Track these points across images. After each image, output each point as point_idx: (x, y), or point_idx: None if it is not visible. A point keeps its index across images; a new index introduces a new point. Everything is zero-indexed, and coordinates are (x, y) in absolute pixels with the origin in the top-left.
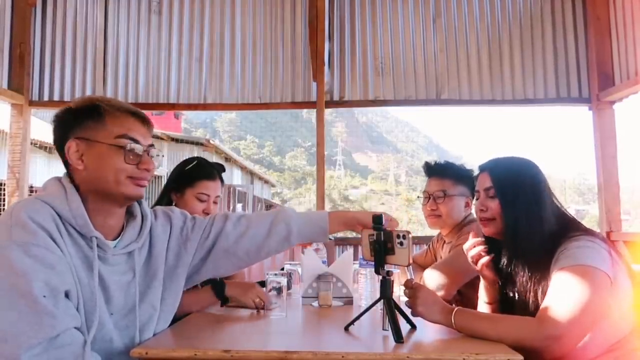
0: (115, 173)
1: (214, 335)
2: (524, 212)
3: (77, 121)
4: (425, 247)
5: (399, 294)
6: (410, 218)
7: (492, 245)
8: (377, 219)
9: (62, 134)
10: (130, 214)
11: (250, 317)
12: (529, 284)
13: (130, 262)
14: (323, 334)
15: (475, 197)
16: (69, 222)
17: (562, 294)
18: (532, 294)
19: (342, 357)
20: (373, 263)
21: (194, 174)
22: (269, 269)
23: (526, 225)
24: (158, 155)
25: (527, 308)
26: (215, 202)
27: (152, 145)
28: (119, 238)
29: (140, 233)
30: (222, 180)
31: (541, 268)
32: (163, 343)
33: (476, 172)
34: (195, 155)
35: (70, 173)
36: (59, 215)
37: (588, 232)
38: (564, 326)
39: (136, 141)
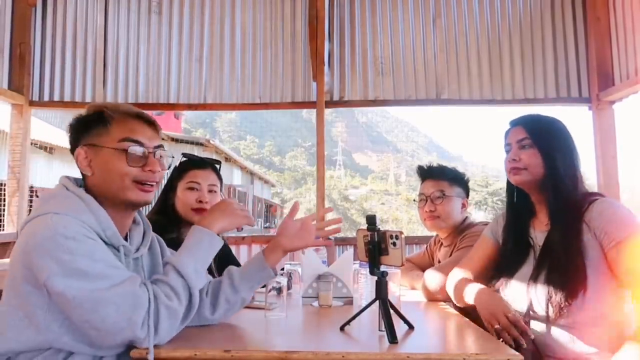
0: (120, 177)
1: (214, 335)
2: (561, 160)
3: (85, 129)
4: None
5: (398, 294)
6: (411, 218)
7: (515, 194)
8: (371, 219)
9: (74, 142)
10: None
11: (250, 317)
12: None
13: (137, 268)
14: (323, 334)
15: (507, 150)
16: (98, 234)
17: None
18: (560, 245)
19: (343, 357)
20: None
21: (182, 167)
22: None
23: (563, 172)
24: (167, 157)
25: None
26: (211, 191)
27: (159, 147)
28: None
29: (145, 239)
30: (217, 172)
31: (569, 219)
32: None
33: (508, 127)
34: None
35: (84, 181)
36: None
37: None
38: None
39: (140, 143)
